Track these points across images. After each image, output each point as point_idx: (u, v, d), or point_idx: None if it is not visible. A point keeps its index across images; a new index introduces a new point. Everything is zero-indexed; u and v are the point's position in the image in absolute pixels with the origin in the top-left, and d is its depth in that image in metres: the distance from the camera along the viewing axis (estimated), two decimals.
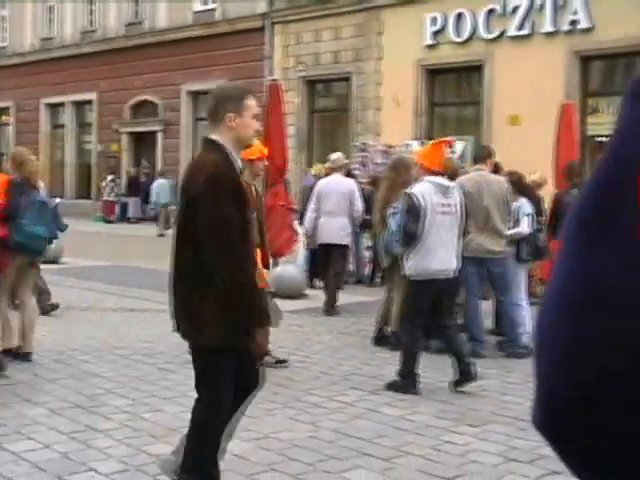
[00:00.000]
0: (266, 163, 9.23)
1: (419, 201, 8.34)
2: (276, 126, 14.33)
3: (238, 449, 6.51)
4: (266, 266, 9.69)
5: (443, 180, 8.56)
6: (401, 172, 10.30)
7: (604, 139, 20.73)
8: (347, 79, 27.09)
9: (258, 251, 8.85)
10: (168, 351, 10.03)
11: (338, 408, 7.87)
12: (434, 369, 9.14)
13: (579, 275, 0.93)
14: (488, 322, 11.16)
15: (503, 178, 10.70)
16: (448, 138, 10.98)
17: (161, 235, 27.69)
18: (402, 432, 7.14)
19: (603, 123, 21.45)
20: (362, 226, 14.28)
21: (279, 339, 10.98)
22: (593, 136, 21.47)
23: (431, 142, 9.18)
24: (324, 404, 7.98)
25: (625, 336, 0.88)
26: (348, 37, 26.84)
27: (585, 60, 21.95)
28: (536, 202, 11.45)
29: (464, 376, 8.34)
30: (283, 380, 8.83)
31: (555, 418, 0.95)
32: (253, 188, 9.19)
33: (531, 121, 21.19)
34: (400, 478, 5.95)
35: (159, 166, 33.78)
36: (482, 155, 10.75)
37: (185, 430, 6.91)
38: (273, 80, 16.64)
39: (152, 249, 23.01)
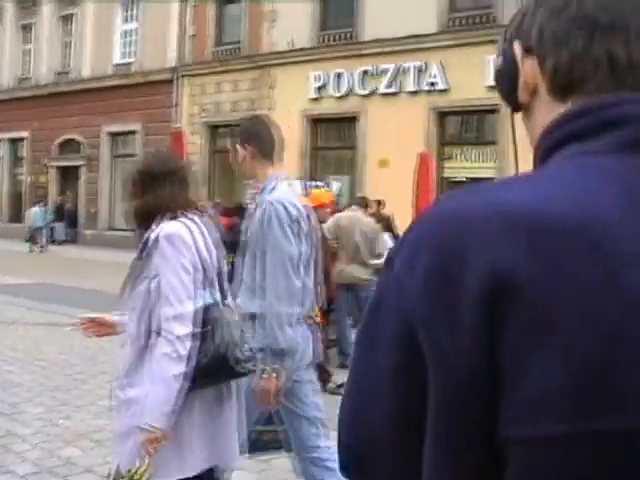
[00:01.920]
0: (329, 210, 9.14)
1: None
2: None
3: None
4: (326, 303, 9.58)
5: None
6: None
7: (457, 180, 21.49)
8: None
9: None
10: (81, 363, 9.83)
11: None
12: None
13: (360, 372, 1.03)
14: None
15: (371, 219, 10.83)
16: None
17: (41, 251, 29.50)
18: None
19: (456, 167, 22.26)
20: None
21: None
22: (447, 178, 21.96)
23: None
24: None
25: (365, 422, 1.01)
26: (244, 89, 26.87)
27: (442, 115, 22.34)
28: (396, 237, 11.74)
29: None
30: None
31: (346, 469, 1.07)
32: (320, 232, 9.09)
33: (397, 165, 21.42)
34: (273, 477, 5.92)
35: (82, 195, 33.36)
36: (360, 203, 11.07)
37: (93, 435, 6.82)
38: (176, 127, 16.56)
39: (72, 269, 22.61)
